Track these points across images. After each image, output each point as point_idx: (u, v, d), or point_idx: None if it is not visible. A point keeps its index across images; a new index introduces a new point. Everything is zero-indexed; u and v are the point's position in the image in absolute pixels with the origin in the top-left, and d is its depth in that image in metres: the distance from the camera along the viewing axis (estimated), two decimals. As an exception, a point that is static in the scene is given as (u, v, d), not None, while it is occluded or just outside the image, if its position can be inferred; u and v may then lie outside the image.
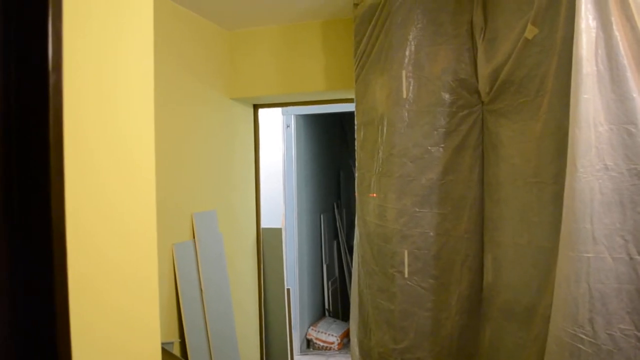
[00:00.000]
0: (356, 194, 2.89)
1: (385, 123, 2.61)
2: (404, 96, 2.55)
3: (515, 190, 2.30)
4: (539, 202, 2.16)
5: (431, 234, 2.52)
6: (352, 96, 3.56)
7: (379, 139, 2.65)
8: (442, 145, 2.49)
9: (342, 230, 5.64)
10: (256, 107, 3.82)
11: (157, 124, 2.63)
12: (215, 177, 3.29)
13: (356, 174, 2.87)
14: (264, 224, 3.95)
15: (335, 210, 5.62)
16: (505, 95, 2.35)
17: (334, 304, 5.41)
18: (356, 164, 2.87)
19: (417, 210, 2.53)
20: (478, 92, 2.48)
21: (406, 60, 2.55)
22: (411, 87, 2.54)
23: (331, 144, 5.78)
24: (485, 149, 2.48)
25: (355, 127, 2.88)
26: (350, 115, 5.88)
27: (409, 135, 2.53)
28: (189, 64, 3.02)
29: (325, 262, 5.34)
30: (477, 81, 2.47)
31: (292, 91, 3.33)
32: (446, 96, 2.49)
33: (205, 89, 3.19)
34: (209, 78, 3.23)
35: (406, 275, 2.55)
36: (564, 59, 1.96)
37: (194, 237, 3.01)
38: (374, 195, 2.69)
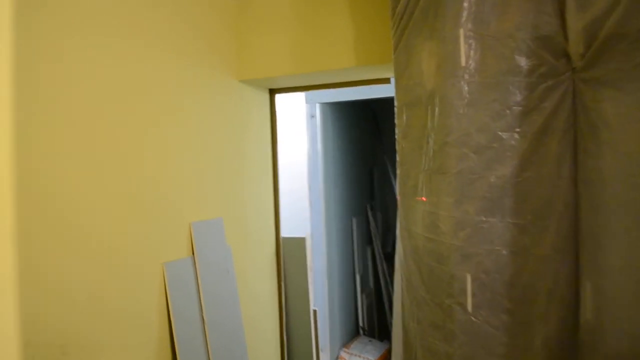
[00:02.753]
0: (398, 196, 2.22)
1: (436, 102, 1.94)
2: (463, 64, 1.87)
3: (631, 191, 1.60)
4: (677, 209, 1.46)
5: (504, 252, 1.83)
6: (388, 75, 2.90)
7: (429, 123, 1.98)
8: (518, 129, 1.80)
9: (376, 236, 4.96)
10: (273, 92, 3.18)
11: (142, 113, 1.99)
12: (221, 178, 2.66)
13: (397, 171, 2.21)
14: (285, 232, 3.31)
15: (369, 213, 4.94)
16: (611, 55, 1.65)
17: (369, 320, 4.75)
18: (397, 158, 2.20)
19: (484, 219, 1.84)
20: (567, 55, 1.78)
21: (464, 14, 1.87)
22: (472, 52, 1.86)
23: (363, 137, 5.10)
24: (579, 133, 1.78)
25: (395, 110, 2.21)
26: (384, 102, 5.17)
27: (470, 117, 1.85)
28: (185, 36, 2.40)
29: (359, 272, 4.67)
30: (566, 39, 1.77)
31: (315, 69, 2.67)
32: (522, 61, 1.80)
33: (207, 68, 2.57)
34: (211, 54, 2.61)
35: (469, 309, 1.87)
36: None
37: (192, 253, 2.39)
38: (423, 199, 2.02)
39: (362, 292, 4.68)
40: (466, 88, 1.86)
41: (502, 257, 1.84)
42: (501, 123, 1.81)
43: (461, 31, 1.87)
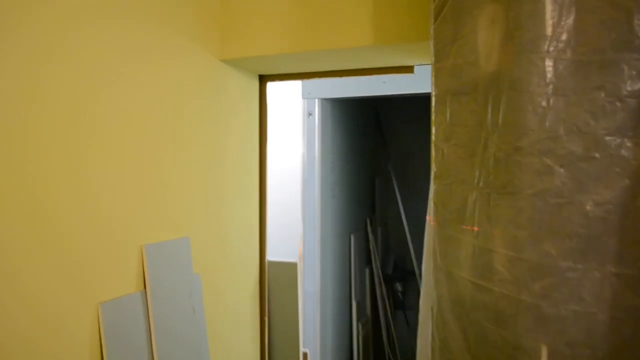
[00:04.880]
0: (431, 221, 1.60)
1: (503, 89, 1.32)
2: (548, 33, 1.26)
3: None
4: None
5: (601, 316, 1.22)
6: (412, 61, 2.29)
7: (488, 120, 1.36)
8: (632, 132, 1.19)
9: (376, 255, 4.34)
10: (263, 80, 2.56)
11: (61, 87, 1.30)
12: (189, 186, 2.03)
13: (433, 187, 1.58)
14: (272, 251, 2.68)
15: (369, 229, 4.32)
16: None
17: (364, 352, 4.12)
18: (434, 169, 1.57)
19: (572, 265, 1.23)
20: None
21: (553, -40, 1.26)
22: (564, 15, 1.25)
23: (364, 141, 4.49)
24: None
25: (433, 101, 1.59)
26: (391, 102, 4.56)
27: (558, 112, 1.24)
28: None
29: (356, 297, 4.04)
30: None
31: (319, 47, 2.05)
32: (644, 30, 1.19)
33: (177, 40, 1.94)
34: (185, 23, 1.97)
35: (544, 398, 1.25)
36: None
37: (144, 286, 1.74)
38: (475, 228, 1.39)
39: (358, 320, 4.05)
40: (552, 69, 1.25)
41: (599, 324, 1.22)
42: (607, 122, 1.20)
43: (547, -15, 1.26)
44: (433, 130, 1.59)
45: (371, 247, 4.33)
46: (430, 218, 1.63)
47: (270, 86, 2.61)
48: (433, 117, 1.59)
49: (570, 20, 1.24)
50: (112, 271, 1.63)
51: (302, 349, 2.59)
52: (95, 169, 1.55)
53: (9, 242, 1.28)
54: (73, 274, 1.47)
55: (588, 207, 1.22)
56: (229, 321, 2.27)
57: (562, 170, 1.23)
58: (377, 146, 4.69)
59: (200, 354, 1.98)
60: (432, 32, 1.61)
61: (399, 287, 4.54)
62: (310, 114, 3.43)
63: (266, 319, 2.52)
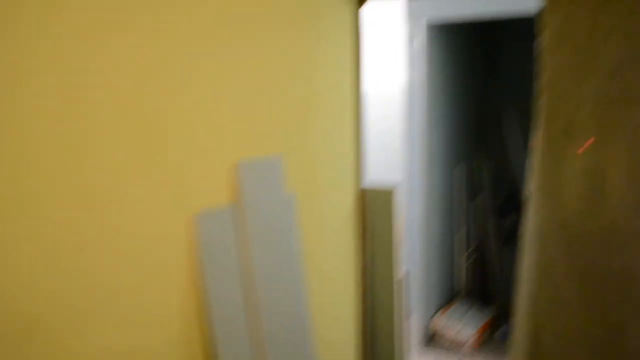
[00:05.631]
0: (536, 141, 1.45)
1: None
2: None
3: None
4: None
5: None
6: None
7: (603, 21, 1.17)
8: None
9: (486, 185, 4.16)
10: (360, 1, 2.42)
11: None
12: (282, 103, 2.01)
13: (538, 102, 1.42)
14: (372, 182, 2.64)
15: (478, 159, 4.12)
16: None
17: (471, 282, 4.04)
18: (544, 79, 1.40)
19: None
20: None
21: None
22: None
23: (473, 68, 4.20)
24: None
25: (543, 6, 1.40)
26: (502, 28, 4.21)
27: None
28: None
29: (463, 225, 3.94)
30: None
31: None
32: None
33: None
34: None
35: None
36: None
37: (237, 201, 1.79)
38: (584, 147, 1.24)
39: (466, 249, 3.96)
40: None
41: None
42: None
43: None
44: (540, 39, 1.41)
45: (481, 177, 4.15)
46: (534, 138, 1.48)
47: (373, 7, 2.47)
48: (542, 24, 1.40)
49: None
50: (207, 186, 1.67)
51: (398, 275, 2.57)
52: (195, 92, 1.57)
53: (117, 154, 1.35)
54: (171, 185, 1.52)
55: None
56: (323, 240, 2.29)
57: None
58: (487, 73, 4.38)
59: (295, 270, 2.02)
60: None
61: (511, 218, 4.34)
62: (414, 38, 3.25)
63: (365, 242, 2.52)
